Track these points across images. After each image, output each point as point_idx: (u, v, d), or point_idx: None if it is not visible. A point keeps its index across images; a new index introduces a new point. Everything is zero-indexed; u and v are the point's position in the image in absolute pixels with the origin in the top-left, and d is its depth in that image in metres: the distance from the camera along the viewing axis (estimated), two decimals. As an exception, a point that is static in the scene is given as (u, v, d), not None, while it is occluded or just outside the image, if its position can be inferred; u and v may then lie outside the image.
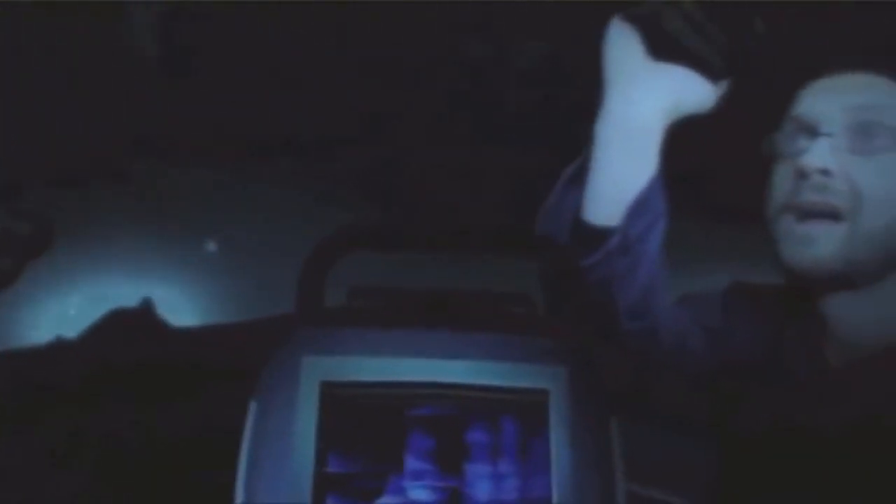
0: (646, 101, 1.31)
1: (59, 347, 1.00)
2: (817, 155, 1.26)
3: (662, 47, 1.30)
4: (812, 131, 1.28)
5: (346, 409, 0.87)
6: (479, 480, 0.86)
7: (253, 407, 0.88)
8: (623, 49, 1.32)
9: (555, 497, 0.85)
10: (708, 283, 1.48)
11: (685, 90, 1.32)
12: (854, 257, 1.26)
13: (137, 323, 0.97)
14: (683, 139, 1.31)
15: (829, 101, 1.30)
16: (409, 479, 0.85)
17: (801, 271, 1.29)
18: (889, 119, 1.27)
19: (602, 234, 1.33)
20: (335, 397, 0.87)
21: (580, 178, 1.36)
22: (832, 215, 1.26)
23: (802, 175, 1.27)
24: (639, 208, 1.32)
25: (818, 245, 1.26)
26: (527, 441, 0.87)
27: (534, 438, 0.87)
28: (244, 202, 1.10)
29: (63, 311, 1.02)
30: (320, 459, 0.85)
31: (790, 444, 0.95)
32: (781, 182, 1.31)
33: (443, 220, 1.07)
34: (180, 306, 0.99)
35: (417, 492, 0.85)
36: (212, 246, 1.07)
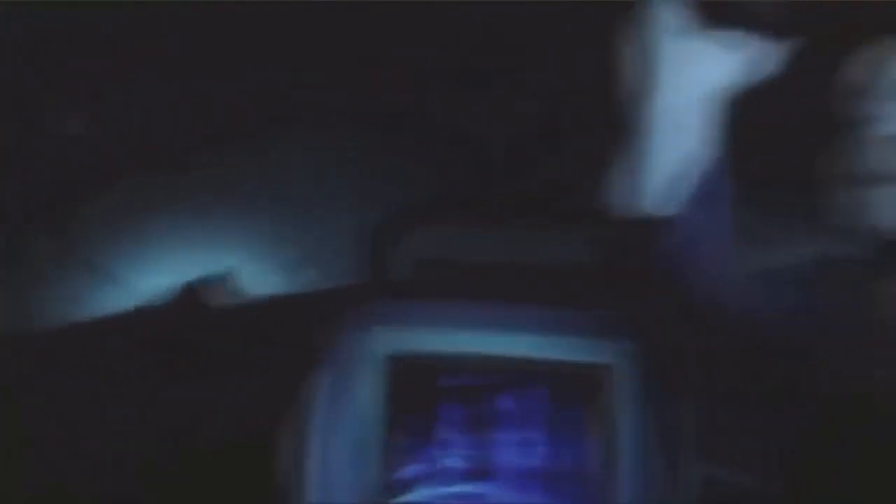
0: (699, 77, 1.30)
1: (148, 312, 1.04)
2: None
3: (713, 11, 1.27)
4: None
5: (405, 380, 0.90)
6: (508, 448, 0.87)
7: (322, 376, 0.91)
8: (668, 22, 1.30)
9: (619, 476, 0.86)
10: (787, 259, 1.46)
11: (742, 56, 1.29)
12: None
13: (212, 295, 1.00)
14: (746, 113, 1.30)
15: None
16: (440, 447, 0.88)
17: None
18: None
19: (661, 224, 1.32)
20: (400, 369, 0.89)
21: (630, 166, 1.35)
22: None
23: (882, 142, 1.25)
24: (700, 193, 1.31)
25: None
26: (561, 412, 0.88)
27: (570, 409, 0.88)
28: (305, 173, 1.11)
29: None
30: (388, 428, 0.88)
31: (872, 417, 0.94)
32: (863, 150, 1.29)
33: (507, 192, 1.09)
34: (257, 275, 1.03)
35: (448, 460, 0.87)
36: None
